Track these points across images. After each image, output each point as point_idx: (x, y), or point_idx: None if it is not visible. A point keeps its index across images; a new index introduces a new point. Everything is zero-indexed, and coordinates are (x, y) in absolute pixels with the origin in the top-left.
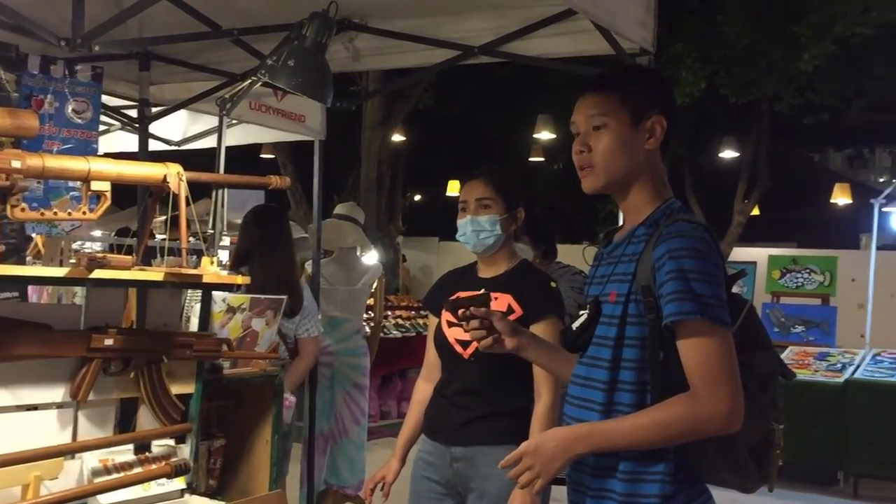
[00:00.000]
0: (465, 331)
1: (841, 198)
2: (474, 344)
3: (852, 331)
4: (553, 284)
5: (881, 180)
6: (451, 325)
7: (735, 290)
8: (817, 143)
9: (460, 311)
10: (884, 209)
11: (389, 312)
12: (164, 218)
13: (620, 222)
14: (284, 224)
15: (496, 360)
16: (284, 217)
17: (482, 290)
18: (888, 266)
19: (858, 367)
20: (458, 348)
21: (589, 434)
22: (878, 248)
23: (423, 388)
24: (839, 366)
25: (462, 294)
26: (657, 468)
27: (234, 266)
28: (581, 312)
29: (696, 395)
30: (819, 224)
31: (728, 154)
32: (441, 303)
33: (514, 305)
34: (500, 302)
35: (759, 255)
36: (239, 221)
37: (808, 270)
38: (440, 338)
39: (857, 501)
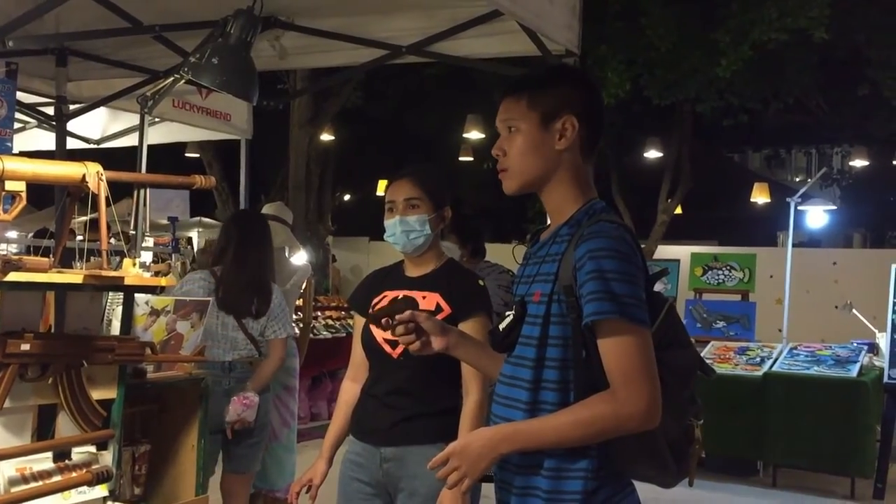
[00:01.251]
0: (394, 336)
1: (760, 197)
2: None
3: (770, 325)
4: (481, 283)
5: (797, 180)
6: None
7: (659, 287)
8: (737, 143)
9: (383, 321)
10: (799, 208)
11: (319, 313)
12: (83, 218)
13: (549, 221)
14: (261, 227)
15: (426, 360)
16: (262, 220)
17: (400, 296)
18: (803, 263)
19: (776, 360)
20: (387, 348)
21: (513, 434)
22: (794, 246)
23: (349, 389)
24: (758, 359)
25: (379, 305)
26: (580, 465)
27: (211, 266)
28: (508, 313)
29: (615, 393)
30: (739, 222)
31: (652, 154)
32: (367, 302)
33: (443, 304)
34: (429, 300)
35: (682, 252)
36: (162, 222)
37: (728, 267)
38: (368, 338)
39: (776, 490)
